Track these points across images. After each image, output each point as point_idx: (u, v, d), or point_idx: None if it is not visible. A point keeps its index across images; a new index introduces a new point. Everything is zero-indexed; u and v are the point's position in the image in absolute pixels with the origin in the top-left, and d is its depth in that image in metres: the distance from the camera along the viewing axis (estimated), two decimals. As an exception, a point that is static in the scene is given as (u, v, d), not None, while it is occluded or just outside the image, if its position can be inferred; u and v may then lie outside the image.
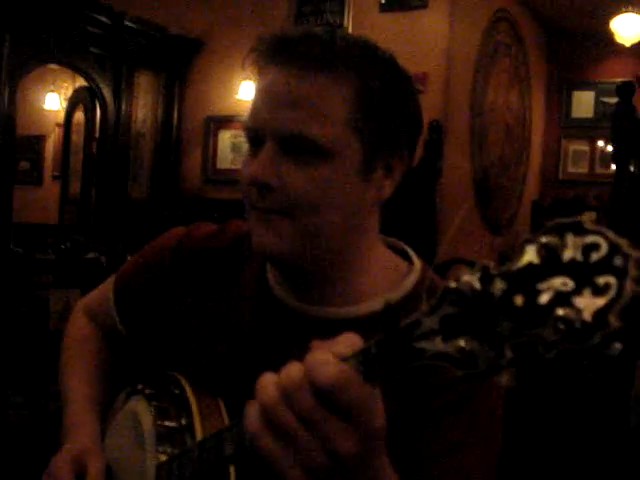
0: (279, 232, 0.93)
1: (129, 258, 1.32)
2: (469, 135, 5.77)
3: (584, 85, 7.06)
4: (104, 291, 1.28)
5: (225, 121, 6.16)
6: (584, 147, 7.10)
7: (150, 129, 6.25)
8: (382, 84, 0.93)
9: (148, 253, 1.22)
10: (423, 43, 5.31)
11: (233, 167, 6.02)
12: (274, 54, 0.93)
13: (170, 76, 6.29)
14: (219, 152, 6.29)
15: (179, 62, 6.27)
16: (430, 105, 5.17)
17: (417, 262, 1.04)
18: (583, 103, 7.05)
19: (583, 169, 7.10)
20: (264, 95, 0.94)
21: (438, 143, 5.06)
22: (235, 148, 6.15)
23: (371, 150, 0.93)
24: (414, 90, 0.98)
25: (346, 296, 0.99)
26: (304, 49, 0.90)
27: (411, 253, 1.06)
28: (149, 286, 1.18)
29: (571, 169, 7.16)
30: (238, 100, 5.79)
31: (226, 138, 6.23)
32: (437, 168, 5.11)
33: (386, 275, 1.01)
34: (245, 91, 5.63)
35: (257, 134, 0.94)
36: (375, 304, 0.97)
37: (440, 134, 5.10)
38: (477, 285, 0.57)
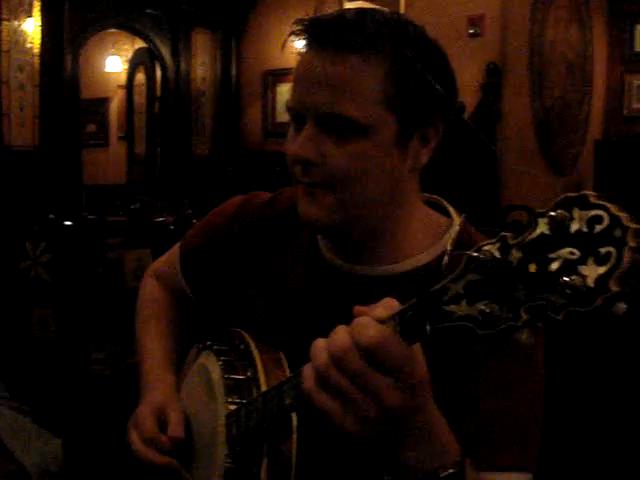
0: (323, 204, 1.00)
1: (194, 222, 1.41)
2: (528, 75, 5.63)
3: (646, 18, 6.79)
4: (171, 256, 1.39)
5: (283, 74, 6.18)
6: (649, 81, 6.86)
7: (209, 86, 6.34)
8: (413, 60, 0.97)
9: (209, 220, 1.31)
10: (478, -17, 5.20)
11: (293, 120, 6.05)
12: (309, 39, 0.99)
13: (226, 33, 6.34)
14: (278, 105, 6.34)
15: (234, 18, 6.31)
16: (487, 47, 5.09)
17: (456, 218, 1.10)
18: (646, 36, 6.79)
19: (649, 104, 6.88)
20: (302, 77, 1.01)
21: (496, 86, 5.00)
22: (294, 101, 6.17)
23: (406, 123, 0.99)
24: (446, 61, 1.02)
25: (390, 255, 1.07)
26: (336, 34, 0.97)
27: (450, 209, 1.13)
28: (211, 251, 1.28)
29: (636, 104, 6.93)
30: (295, 52, 5.78)
31: (284, 91, 6.26)
32: (496, 112, 5.06)
33: (427, 232, 1.08)
34: (301, 43, 5.63)
35: (298, 113, 1.01)
36: (416, 261, 1.05)
37: (498, 77, 5.04)
38: (497, 254, 0.64)
